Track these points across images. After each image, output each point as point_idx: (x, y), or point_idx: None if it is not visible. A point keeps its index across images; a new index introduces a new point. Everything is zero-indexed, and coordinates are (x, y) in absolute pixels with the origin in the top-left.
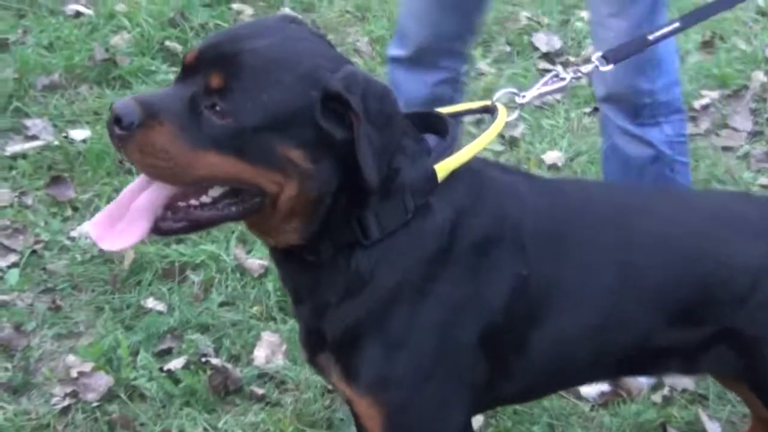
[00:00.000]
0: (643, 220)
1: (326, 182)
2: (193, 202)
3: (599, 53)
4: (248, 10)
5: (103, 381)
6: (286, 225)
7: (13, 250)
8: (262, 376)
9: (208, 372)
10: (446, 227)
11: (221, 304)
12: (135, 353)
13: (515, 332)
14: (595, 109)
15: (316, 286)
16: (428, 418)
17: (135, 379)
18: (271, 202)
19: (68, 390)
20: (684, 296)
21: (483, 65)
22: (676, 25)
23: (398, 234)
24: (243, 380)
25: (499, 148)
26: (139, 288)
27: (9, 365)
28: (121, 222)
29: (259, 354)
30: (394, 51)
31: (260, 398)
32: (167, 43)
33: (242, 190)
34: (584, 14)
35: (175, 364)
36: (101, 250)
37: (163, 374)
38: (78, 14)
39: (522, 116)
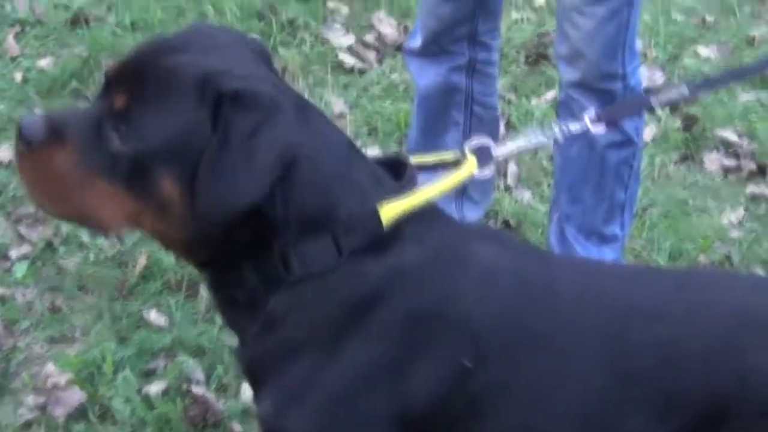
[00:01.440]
0: (650, 322)
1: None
2: None
3: (592, 112)
4: (344, 9)
5: (75, 396)
6: (180, 257)
7: (28, 241)
8: (246, 412)
9: (187, 401)
10: (380, 281)
11: (223, 328)
12: (121, 369)
13: (448, 428)
14: (684, 158)
15: (235, 318)
16: None
17: (111, 398)
18: (153, 236)
19: (40, 401)
20: (698, 408)
21: None
22: (684, 90)
23: (324, 277)
24: (224, 414)
25: None
26: (144, 297)
27: None
28: None
29: (248, 388)
30: (409, 43)
31: None
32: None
33: None
34: (702, 49)
35: (155, 388)
36: (117, 252)
37: (140, 397)
38: None
39: None
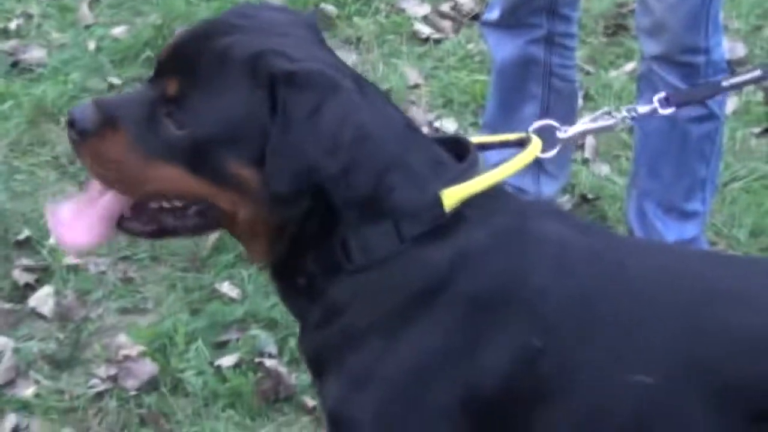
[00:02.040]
0: (725, 306)
1: (289, 205)
2: (165, 204)
3: (662, 94)
4: None
5: (147, 369)
6: (251, 244)
7: None
8: None
9: (259, 374)
10: (442, 267)
11: None
12: (193, 341)
13: (519, 409)
14: (766, 131)
15: (298, 306)
16: None
17: (183, 371)
18: (229, 220)
19: (111, 372)
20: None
21: None
22: (757, 73)
23: (386, 264)
24: (296, 388)
25: None
26: (216, 269)
27: (61, 336)
28: (83, 218)
29: None
30: (486, 16)
31: (310, 411)
32: (323, 5)
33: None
34: None
35: (227, 361)
36: None
37: (213, 370)
38: None
39: None
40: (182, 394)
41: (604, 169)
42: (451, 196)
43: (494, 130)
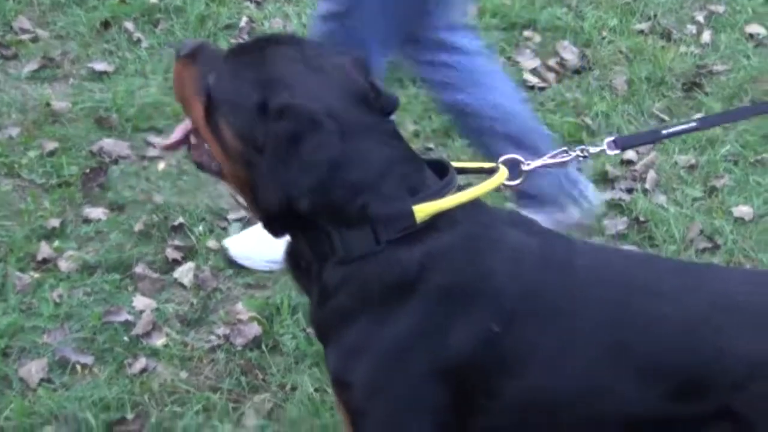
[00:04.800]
0: (645, 299)
1: (269, 193)
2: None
3: (611, 138)
4: (537, 37)
5: (253, 330)
6: (244, 199)
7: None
8: None
9: None
10: (413, 264)
11: None
12: (295, 312)
13: (483, 379)
14: None
15: (303, 286)
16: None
17: (282, 335)
18: (223, 174)
19: (226, 332)
20: (680, 376)
21: None
22: (693, 124)
23: (366, 260)
24: None
25: (698, 194)
26: None
27: (194, 300)
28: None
29: None
30: None
31: None
32: None
33: None
34: None
35: None
36: None
37: (304, 335)
38: None
39: (729, 170)
40: (279, 353)
41: (661, 198)
42: (423, 210)
43: None
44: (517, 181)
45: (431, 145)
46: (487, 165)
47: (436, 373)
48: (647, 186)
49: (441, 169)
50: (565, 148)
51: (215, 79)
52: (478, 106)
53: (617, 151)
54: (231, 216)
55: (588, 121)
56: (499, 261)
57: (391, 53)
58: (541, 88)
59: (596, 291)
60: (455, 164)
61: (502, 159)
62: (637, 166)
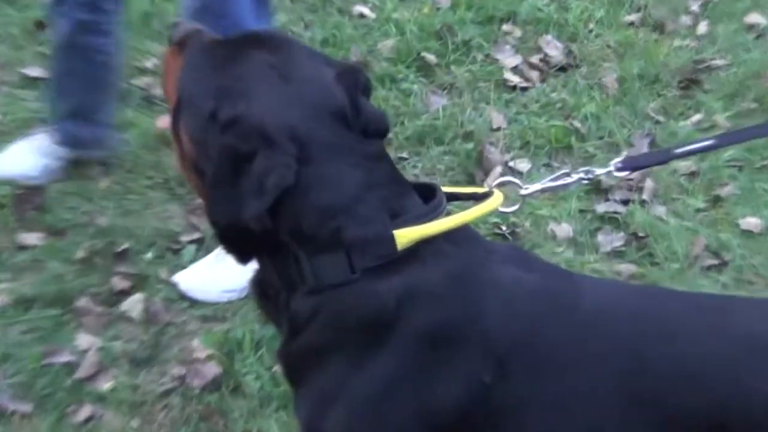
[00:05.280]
0: (661, 344)
1: (219, 209)
2: None
3: (618, 160)
4: (517, 32)
5: (212, 370)
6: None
7: (198, 229)
8: None
9: None
10: (390, 299)
11: None
12: (258, 348)
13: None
14: None
15: (272, 317)
16: None
17: (244, 374)
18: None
19: (181, 372)
20: (699, 429)
21: (719, 118)
22: (710, 142)
23: (339, 290)
24: None
25: (700, 204)
26: None
27: (145, 337)
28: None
29: None
30: None
31: None
32: (424, 54)
33: None
34: None
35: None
36: None
37: (269, 374)
38: (361, 16)
39: (734, 176)
40: (241, 395)
41: (660, 210)
42: (405, 236)
43: None
44: (514, 208)
45: (404, 155)
46: (480, 190)
47: (423, 425)
48: (645, 196)
49: (429, 193)
50: (567, 170)
51: (185, 75)
52: None
53: (625, 173)
54: (184, 238)
55: (577, 124)
56: (491, 301)
57: None
58: (524, 89)
59: (604, 336)
60: (445, 189)
61: (496, 182)
62: (633, 175)
